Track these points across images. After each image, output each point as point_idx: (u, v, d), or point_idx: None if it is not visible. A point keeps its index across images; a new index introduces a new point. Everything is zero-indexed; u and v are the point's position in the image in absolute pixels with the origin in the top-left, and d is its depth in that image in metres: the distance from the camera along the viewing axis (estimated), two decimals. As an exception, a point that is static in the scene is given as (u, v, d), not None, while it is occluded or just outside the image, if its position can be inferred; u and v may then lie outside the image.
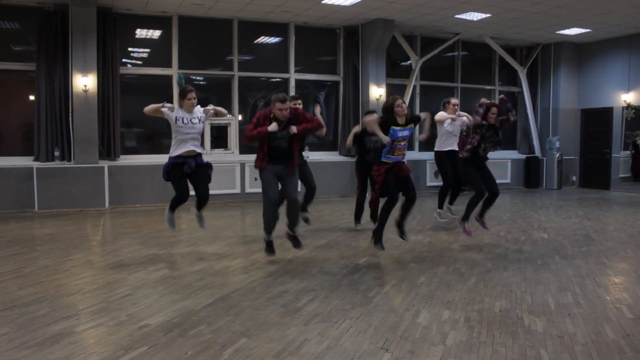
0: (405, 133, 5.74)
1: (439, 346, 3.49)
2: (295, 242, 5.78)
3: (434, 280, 5.05)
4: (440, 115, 7.58)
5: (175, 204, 5.99)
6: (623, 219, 8.86)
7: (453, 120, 7.53)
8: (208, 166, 5.97)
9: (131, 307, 4.23)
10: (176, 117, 5.77)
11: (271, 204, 5.54)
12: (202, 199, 5.95)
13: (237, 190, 11.03)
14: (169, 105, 5.81)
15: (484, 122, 6.44)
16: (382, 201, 5.94)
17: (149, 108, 5.80)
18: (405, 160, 5.94)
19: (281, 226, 6.02)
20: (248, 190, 11.00)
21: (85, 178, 9.68)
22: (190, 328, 3.78)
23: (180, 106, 5.89)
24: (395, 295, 4.58)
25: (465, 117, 7.59)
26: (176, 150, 5.77)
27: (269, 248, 5.74)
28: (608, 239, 7.14)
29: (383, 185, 5.72)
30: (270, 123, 5.41)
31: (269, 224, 5.65)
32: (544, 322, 3.93)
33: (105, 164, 9.90)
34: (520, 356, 3.36)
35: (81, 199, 9.64)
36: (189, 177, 5.87)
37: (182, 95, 5.86)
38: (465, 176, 6.71)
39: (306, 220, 7.18)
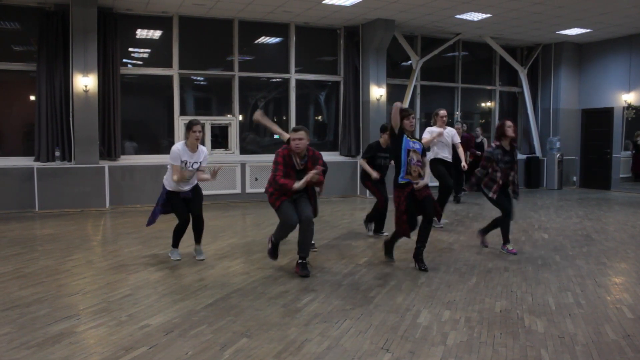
0: (417, 146, 5.46)
1: (440, 346, 3.49)
2: (304, 270, 5.22)
3: (434, 281, 5.05)
4: (426, 139, 7.44)
5: (178, 234, 5.84)
6: (623, 219, 8.86)
7: (440, 135, 7.63)
8: (200, 194, 5.87)
9: (132, 307, 4.23)
10: (181, 161, 5.58)
11: (289, 228, 5.17)
12: (196, 220, 5.79)
13: (238, 190, 11.03)
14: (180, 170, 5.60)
15: (495, 153, 6.03)
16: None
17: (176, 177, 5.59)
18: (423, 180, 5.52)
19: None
20: (248, 190, 11.01)
21: (86, 178, 9.68)
22: (190, 328, 3.78)
23: (185, 137, 5.65)
24: (396, 296, 4.58)
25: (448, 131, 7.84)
26: (172, 186, 5.65)
27: (274, 252, 5.43)
28: (609, 239, 7.14)
29: (407, 213, 5.34)
30: (292, 162, 5.12)
31: (281, 239, 5.37)
32: (545, 323, 3.93)
33: (106, 164, 9.91)
34: (520, 356, 3.36)
35: (82, 199, 9.64)
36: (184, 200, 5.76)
37: (189, 127, 5.60)
38: (495, 204, 6.27)
39: (312, 246, 6.79)
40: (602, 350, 3.44)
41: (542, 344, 3.55)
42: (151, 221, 5.85)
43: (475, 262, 5.82)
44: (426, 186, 5.52)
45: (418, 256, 5.53)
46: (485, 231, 6.54)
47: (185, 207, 5.75)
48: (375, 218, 7.26)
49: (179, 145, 5.63)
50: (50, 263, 5.73)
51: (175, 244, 5.95)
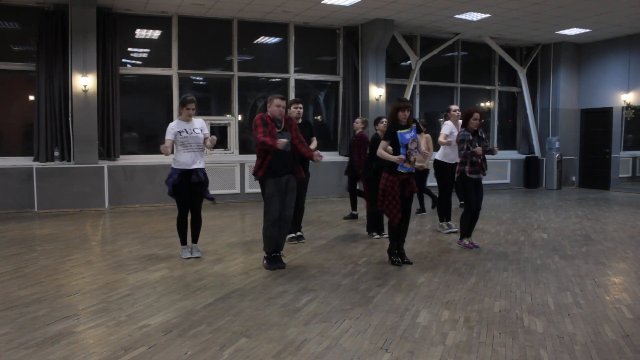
0: (413, 133, 5.55)
1: (439, 346, 3.49)
2: (279, 263, 5.50)
3: (433, 281, 5.05)
4: (442, 141, 7.36)
5: (182, 230, 5.92)
6: (623, 219, 8.86)
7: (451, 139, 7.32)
8: (206, 183, 5.87)
9: (131, 307, 4.23)
10: (179, 131, 5.72)
11: (273, 223, 5.36)
12: (195, 217, 5.87)
13: (237, 190, 11.03)
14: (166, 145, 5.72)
15: (466, 135, 6.28)
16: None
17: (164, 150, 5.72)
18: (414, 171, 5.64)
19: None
20: (248, 190, 11.01)
21: (85, 178, 9.68)
22: (189, 328, 3.78)
23: (179, 114, 5.87)
24: (395, 295, 4.58)
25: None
26: (181, 164, 5.69)
27: (270, 263, 5.47)
28: (608, 239, 7.14)
29: (391, 197, 5.48)
30: (273, 122, 5.32)
31: (270, 243, 5.45)
32: (544, 322, 3.93)
33: (105, 164, 9.90)
34: (520, 356, 3.36)
35: (81, 199, 9.64)
36: (191, 191, 5.80)
37: (183, 104, 5.80)
38: (461, 186, 6.45)
39: (300, 238, 6.86)
40: (601, 350, 3.44)
41: (541, 343, 3.55)
42: (170, 191, 5.85)
43: (475, 262, 5.82)
44: (414, 182, 5.63)
45: (400, 250, 5.75)
46: (464, 235, 6.57)
47: (189, 200, 5.80)
48: (374, 222, 7.17)
49: (171, 123, 5.87)
50: (49, 263, 5.72)
51: (184, 241, 6.01)
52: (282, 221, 5.45)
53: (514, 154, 14.28)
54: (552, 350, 3.43)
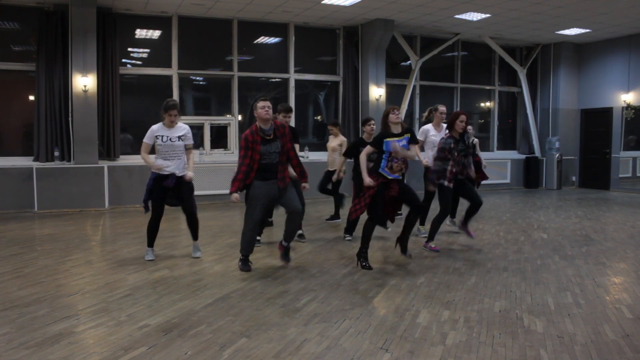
0: (403, 143, 5.50)
1: (439, 346, 3.49)
2: (286, 255, 5.56)
3: (433, 281, 5.05)
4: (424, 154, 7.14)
5: (151, 232, 5.87)
6: (623, 219, 8.86)
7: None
8: (190, 186, 5.84)
9: (131, 307, 4.23)
10: (156, 136, 5.72)
11: (253, 225, 5.34)
12: (189, 212, 5.85)
13: (237, 190, 11.02)
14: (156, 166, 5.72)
15: (448, 143, 6.08)
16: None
17: (144, 158, 5.81)
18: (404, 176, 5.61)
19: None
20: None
21: (85, 178, 9.68)
22: (189, 328, 3.78)
23: (162, 118, 5.80)
24: (395, 296, 4.58)
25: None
26: (155, 166, 5.71)
27: (246, 264, 5.45)
28: (608, 239, 7.14)
29: (372, 201, 5.39)
30: (258, 137, 5.23)
31: (249, 246, 5.43)
32: (544, 322, 3.93)
33: (105, 164, 9.90)
34: (520, 356, 3.36)
35: (81, 199, 9.64)
36: (171, 195, 5.79)
37: (165, 109, 5.72)
38: (439, 190, 6.22)
39: (301, 237, 6.89)
40: (601, 350, 3.44)
41: (541, 343, 3.55)
42: (145, 207, 5.89)
43: (475, 262, 5.82)
44: (395, 187, 5.50)
45: (403, 242, 5.72)
46: (430, 239, 6.42)
47: (162, 201, 5.76)
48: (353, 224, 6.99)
49: (155, 125, 5.81)
50: (49, 263, 5.72)
51: (150, 243, 5.94)
52: (292, 213, 5.34)
53: (514, 154, 14.28)
54: (552, 350, 3.43)
